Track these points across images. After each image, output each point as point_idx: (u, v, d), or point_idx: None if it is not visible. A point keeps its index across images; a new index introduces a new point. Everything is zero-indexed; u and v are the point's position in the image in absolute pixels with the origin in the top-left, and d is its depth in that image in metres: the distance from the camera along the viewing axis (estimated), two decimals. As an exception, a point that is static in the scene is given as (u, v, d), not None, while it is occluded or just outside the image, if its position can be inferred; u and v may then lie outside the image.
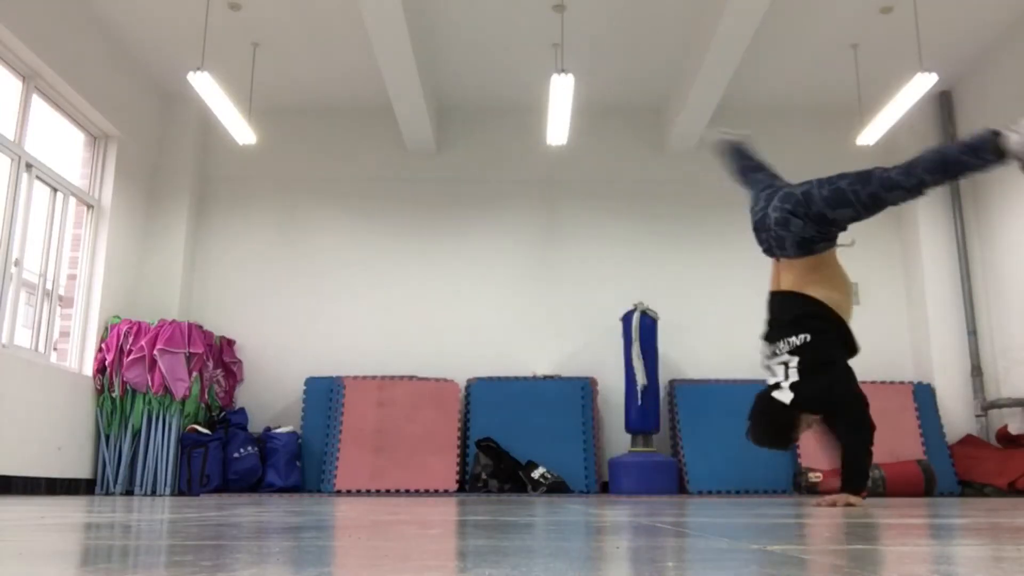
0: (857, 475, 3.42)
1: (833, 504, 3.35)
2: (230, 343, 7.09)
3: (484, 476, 6.26)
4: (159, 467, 6.28)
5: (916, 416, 6.65)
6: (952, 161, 3.34)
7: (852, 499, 3.37)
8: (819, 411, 3.52)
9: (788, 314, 3.54)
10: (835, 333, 3.54)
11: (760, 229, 3.71)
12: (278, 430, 6.63)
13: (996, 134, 3.23)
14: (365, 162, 7.68)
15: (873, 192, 3.45)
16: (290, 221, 7.57)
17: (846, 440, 3.46)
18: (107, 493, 6.18)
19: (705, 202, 7.59)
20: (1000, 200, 6.89)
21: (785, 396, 3.34)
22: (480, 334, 7.24)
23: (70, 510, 2.80)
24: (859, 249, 7.63)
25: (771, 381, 3.45)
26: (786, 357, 3.45)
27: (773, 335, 3.57)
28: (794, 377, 3.37)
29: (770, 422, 3.44)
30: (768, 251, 3.73)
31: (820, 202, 3.51)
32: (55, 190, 6.29)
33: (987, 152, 3.24)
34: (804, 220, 3.52)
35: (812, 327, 3.48)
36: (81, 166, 6.75)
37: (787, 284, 3.63)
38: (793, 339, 3.45)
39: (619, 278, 7.34)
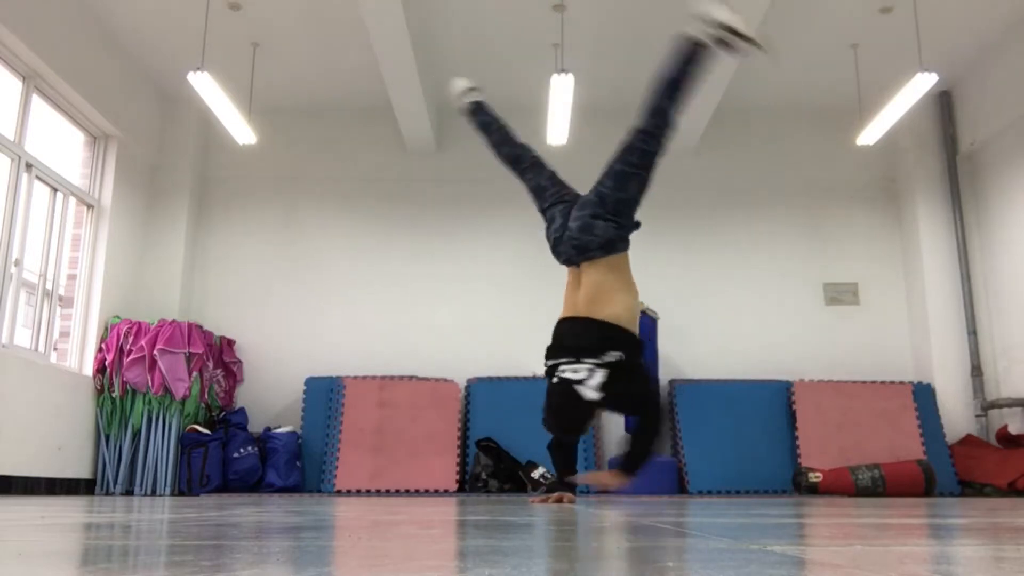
0: (639, 461, 3.63)
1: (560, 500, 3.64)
2: (230, 343, 7.09)
3: (484, 476, 6.26)
4: (159, 467, 6.28)
5: (916, 416, 6.65)
6: (678, 78, 3.54)
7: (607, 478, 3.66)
8: (623, 412, 3.81)
9: (589, 338, 3.57)
10: (637, 351, 3.65)
11: (560, 244, 3.74)
12: (278, 430, 6.63)
13: (689, 37, 3.50)
14: (365, 162, 7.68)
15: (640, 150, 3.61)
16: (290, 221, 7.57)
17: (642, 434, 3.64)
18: (107, 493, 6.18)
19: (705, 202, 7.59)
20: (1000, 200, 6.90)
21: (592, 394, 3.38)
22: (480, 334, 7.23)
23: (70, 510, 2.80)
24: (859, 249, 7.69)
25: (572, 376, 3.44)
26: (592, 366, 3.45)
27: (574, 354, 3.53)
28: (602, 380, 3.40)
29: (573, 413, 3.48)
30: (569, 261, 3.76)
31: (611, 193, 3.66)
32: (55, 190, 6.29)
33: (689, 54, 3.51)
34: (605, 219, 3.65)
35: (622, 347, 3.53)
36: (81, 166, 6.75)
37: (587, 291, 3.65)
38: (605, 356, 3.46)
39: (619, 278, 7.33)
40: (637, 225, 3.80)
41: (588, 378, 3.38)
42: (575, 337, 3.56)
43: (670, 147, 3.71)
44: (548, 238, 3.82)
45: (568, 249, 3.70)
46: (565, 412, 3.46)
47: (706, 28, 3.44)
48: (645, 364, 3.71)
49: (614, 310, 3.60)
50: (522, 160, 4.00)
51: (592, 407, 3.43)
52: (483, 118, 4.12)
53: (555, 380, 3.50)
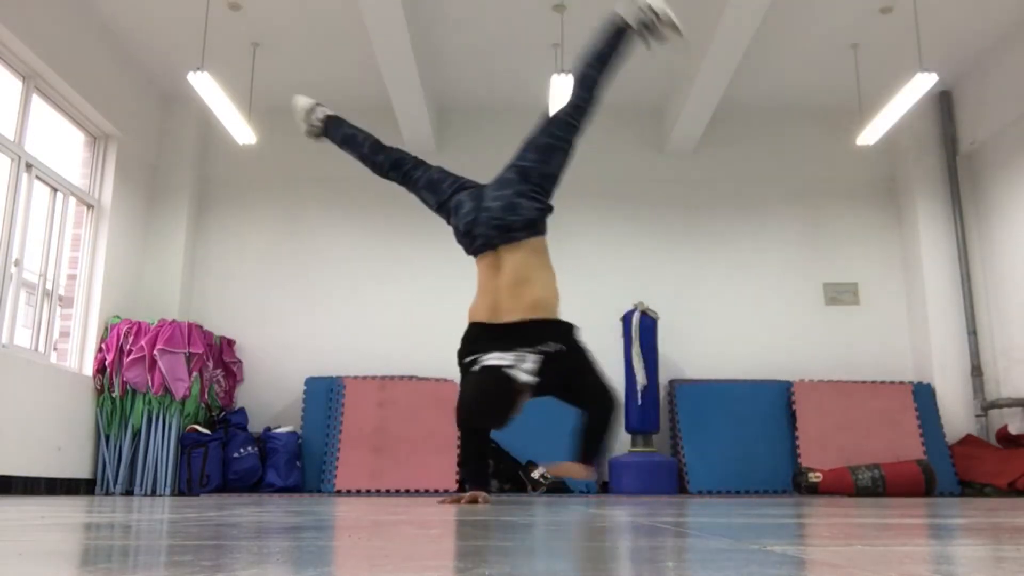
0: (596, 451, 3.51)
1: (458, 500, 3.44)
2: (230, 343, 7.09)
3: (484, 476, 6.25)
4: (159, 467, 6.28)
5: (916, 416, 6.65)
6: (606, 54, 3.72)
7: (575, 468, 3.47)
8: (569, 400, 3.57)
9: (519, 338, 3.31)
10: (574, 336, 3.52)
11: (476, 226, 3.51)
12: (278, 430, 6.63)
13: (618, 18, 3.72)
14: (365, 162, 7.67)
15: (566, 123, 3.67)
16: (290, 221, 7.57)
17: (600, 426, 3.51)
18: (107, 493, 6.18)
19: (705, 202, 7.59)
20: (1000, 200, 6.90)
21: (526, 377, 3.16)
22: (480, 334, 7.22)
23: (70, 510, 2.80)
24: (859, 249, 7.68)
25: (499, 363, 3.19)
26: (523, 353, 3.23)
27: (502, 347, 3.25)
28: (535, 365, 3.21)
29: (500, 400, 3.20)
30: (487, 244, 3.49)
31: (536, 166, 3.59)
32: (55, 190, 6.29)
33: (616, 31, 3.71)
34: (530, 197, 3.52)
35: (560, 339, 3.40)
36: (81, 166, 6.75)
37: (510, 275, 3.42)
38: (543, 347, 3.30)
39: (619, 278, 7.33)
40: (551, 208, 3.62)
41: (519, 362, 3.15)
42: (498, 342, 3.27)
43: (587, 124, 3.81)
44: (457, 226, 3.62)
45: (488, 230, 3.46)
46: (491, 399, 3.19)
47: (635, 10, 3.64)
48: (588, 352, 3.52)
49: (540, 293, 3.40)
50: (404, 162, 3.95)
51: (520, 393, 3.19)
52: (346, 131, 4.04)
53: (477, 369, 3.22)
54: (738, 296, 7.40)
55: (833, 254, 7.51)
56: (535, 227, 3.52)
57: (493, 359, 3.18)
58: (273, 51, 6.81)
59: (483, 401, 3.20)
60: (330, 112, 4.11)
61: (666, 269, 7.39)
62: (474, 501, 3.40)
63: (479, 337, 3.39)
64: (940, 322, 7.06)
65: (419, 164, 3.92)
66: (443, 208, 3.75)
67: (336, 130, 4.07)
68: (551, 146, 3.62)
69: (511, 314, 3.35)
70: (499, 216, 3.47)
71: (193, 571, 0.94)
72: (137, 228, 7.16)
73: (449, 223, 3.72)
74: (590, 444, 3.48)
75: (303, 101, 4.08)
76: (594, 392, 3.51)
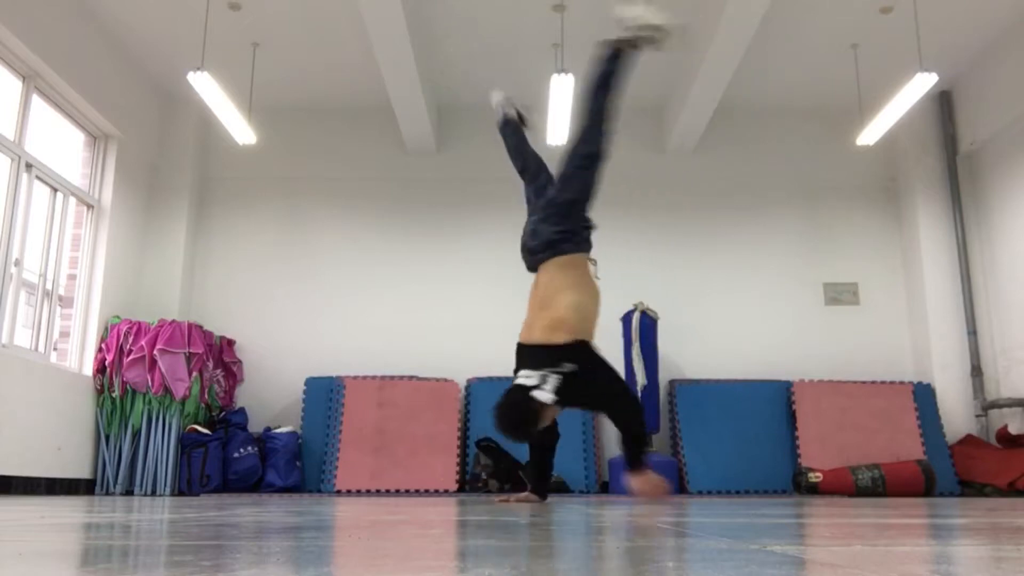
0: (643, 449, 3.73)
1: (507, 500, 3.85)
2: (230, 343, 7.09)
3: (484, 476, 6.26)
4: (159, 467, 6.28)
5: (916, 416, 6.65)
6: (605, 79, 3.81)
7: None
8: (590, 409, 3.96)
9: (541, 359, 3.54)
10: (588, 354, 3.62)
11: (522, 252, 3.91)
12: (278, 430, 6.63)
13: (611, 42, 3.83)
14: (365, 162, 7.68)
15: (580, 153, 3.81)
16: (290, 221, 7.57)
17: (635, 424, 3.70)
18: (107, 493, 6.18)
19: (705, 202, 7.59)
20: (1000, 200, 6.90)
21: (548, 396, 3.40)
22: (480, 334, 7.23)
23: (70, 510, 2.80)
24: (859, 249, 7.68)
25: (525, 382, 3.47)
26: (546, 373, 3.46)
27: (530, 367, 3.56)
28: (557, 384, 3.42)
29: (519, 415, 3.48)
30: (528, 267, 3.90)
31: (557, 195, 3.82)
32: (55, 190, 6.29)
33: (614, 52, 3.81)
34: (550, 223, 3.78)
35: (573, 359, 3.53)
36: (81, 166, 6.75)
37: (539, 292, 3.72)
38: (561, 367, 3.48)
39: (619, 278, 7.30)
40: (588, 225, 3.87)
41: (543, 382, 3.41)
42: (527, 360, 3.62)
43: (612, 151, 3.89)
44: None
45: (524, 256, 3.89)
46: (512, 416, 3.48)
47: (628, 31, 3.77)
48: (603, 359, 3.70)
49: (559, 314, 3.61)
50: (526, 170, 4.19)
51: (543, 410, 3.44)
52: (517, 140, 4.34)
53: (510, 385, 3.57)
54: (738, 296, 7.40)
55: (833, 254, 7.51)
56: (556, 248, 3.73)
57: (522, 378, 3.48)
58: (273, 51, 6.81)
59: (505, 416, 3.47)
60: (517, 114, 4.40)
61: (666, 269, 7.39)
62: (522, 500, 3.81)
63: (519, 353, 3.70)
64: (940, 322, 7.06)
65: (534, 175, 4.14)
66: None
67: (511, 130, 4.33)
68: (567, 176, 3.84)
69: (536, 334, 3.62)
70: (525, 242, 3.85)
71: (193, 571, 0.94)
72: (137, 228, 7.16)
73: None
74: (633, 447, 3.67)
75: (497, 95, 4.44)
76: (614, 399, 3.69)
